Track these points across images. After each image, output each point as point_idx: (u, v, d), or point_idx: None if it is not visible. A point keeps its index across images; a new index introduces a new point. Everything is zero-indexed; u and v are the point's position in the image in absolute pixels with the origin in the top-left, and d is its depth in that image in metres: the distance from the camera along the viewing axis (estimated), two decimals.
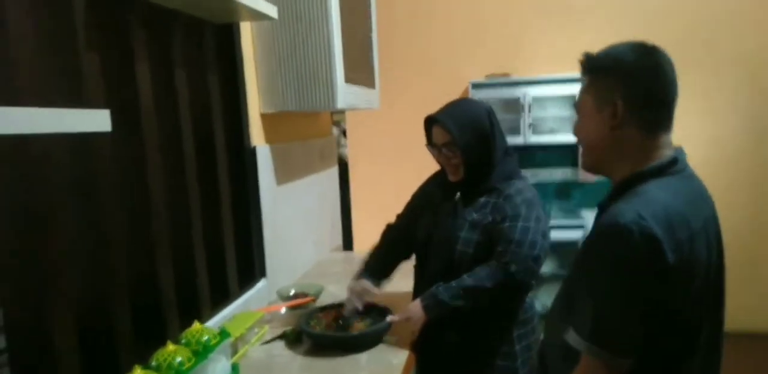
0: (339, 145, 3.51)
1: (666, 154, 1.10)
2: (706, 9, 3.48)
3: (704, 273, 1.06)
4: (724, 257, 1.14)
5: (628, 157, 1.11)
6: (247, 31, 1.90)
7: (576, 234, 3.41)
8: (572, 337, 1.05)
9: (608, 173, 1.18)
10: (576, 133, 1.20)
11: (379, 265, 1.82)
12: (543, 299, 3.48)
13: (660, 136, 1.10)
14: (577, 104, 1.18)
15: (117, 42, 1.31)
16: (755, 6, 3.44)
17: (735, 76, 3.52)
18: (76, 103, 1.14)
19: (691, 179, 1.13)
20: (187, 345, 1.33)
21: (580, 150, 1.22)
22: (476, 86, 3.57)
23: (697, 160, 1.18)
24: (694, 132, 3.48)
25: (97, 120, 0.92)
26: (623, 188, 1.11)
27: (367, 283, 1.74)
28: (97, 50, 1.21)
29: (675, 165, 1.09)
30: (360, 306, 1.71)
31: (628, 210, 1.01)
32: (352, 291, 1.74)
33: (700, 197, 1.12)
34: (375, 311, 1.73)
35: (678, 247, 0.99)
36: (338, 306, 1.77)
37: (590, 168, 1.21)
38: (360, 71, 2.21)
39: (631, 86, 1.08)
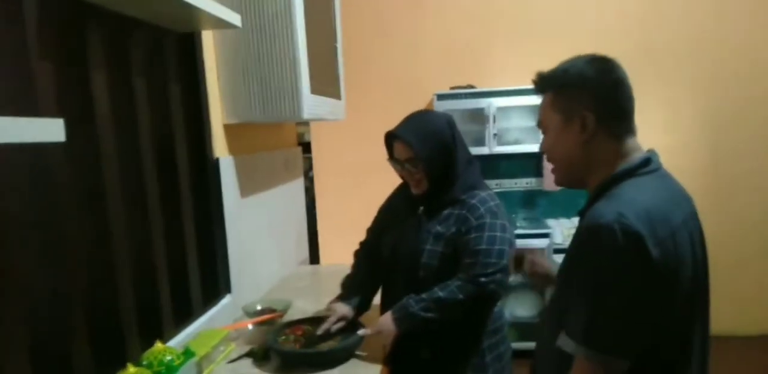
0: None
1: (636, 156, 1.12)
2: (662, 12, 3.59)
3: (691, 271, 1.06)
4: (707, 255, 1.15)
5: (600, 166, 1.13)
6: (209, 40, 1.85)
7: (542, 243, 3.44)
8: (564, 341, 1.04)
9: (583, 185, 1.19)
10: (545, 151, 1.20)
11: (361, 293, 1.76)
12: (511, 308, 3.49)
13: (627, 141, 1.13)
14: (542, 122, 1.19)
15: (72, 49, 1.25)
16: (721, 18, 3.56)
17: (693, 73, 3.64)
18: (28, 112, 1.08)
19: (666, 178, 1.14)
20: (149, 366, 1.28)
21: (550, 167, 1.22)
22: (441, 97, 3.59)
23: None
24: (660, 143, 3.56)
25: (50, 129, 0.87)
26: (599, 193, 1.12)
27: (347, 309, 1.69)
28: (50, 57, 1.15)
29: (647, 165, 1.11)
30: (334, 329, 1.66)
31: (607, 210, 1.02)
32: (334, 311, 1.68)
33: (677, 195, 1.13)
34: (346, 325, 1.69)
35: (660, 243, 0.99)
36: (306, 322, 1.72)
37: (565, 183, 1.22)
38: (325, 82, 2.18)
39: (597, 98, 1.10)
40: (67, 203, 1.21)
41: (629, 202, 1.03)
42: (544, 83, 1.17)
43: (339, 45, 2.50)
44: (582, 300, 1.03)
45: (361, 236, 1.90)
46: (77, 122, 1.24)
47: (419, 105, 3.71)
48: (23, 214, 1.11)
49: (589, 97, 1.10)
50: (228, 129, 1.98)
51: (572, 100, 1.12)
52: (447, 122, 1.65)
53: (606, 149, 1.12)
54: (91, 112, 1.30)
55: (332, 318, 1.66)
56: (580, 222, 1.14)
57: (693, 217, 1.13)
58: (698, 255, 1.10)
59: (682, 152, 3.66)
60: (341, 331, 1.67)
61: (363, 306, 1.75)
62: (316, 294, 1.77)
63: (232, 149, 2.02)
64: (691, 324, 1.09)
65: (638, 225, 0.98)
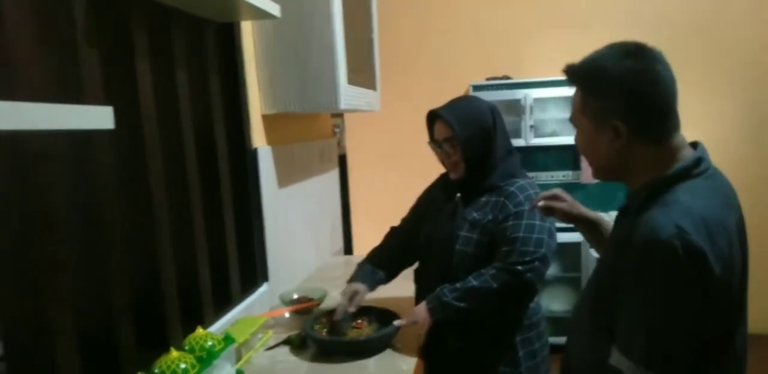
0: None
1: (686, 155, 1.04)
2: (707, 14, 3.48)
3: (740, 274, 1.01)
4: (748, 252, 1.09)
5: (644, 167, 1.05)
6: (248, 30, 1.87)
7: (579, 237, 3.35)
8: (619, 360, 0.99)
9: (623, 181, 1.12)
10: (579, 149, 1.13)
11: (373, 268, 1.76)
12: (545, 302, 3.45)
13: (669, 140, 1.03)
14: (574, 121, 1.11)
15: (117, 39, 1.28)
16: (758, 10, 3.44)
17: (733, 66, 3.51)
18: (76, 100, 1.10)
19: (717, 178, 1.05)
20: (191, 351, 1.29)
21: (586, 160, 1.16)
22: (477, 88, 3.54)
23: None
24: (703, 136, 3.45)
25: (99, 117, 0.88)
26: (648, 195, 1.03)
27: (357, 285, 1.70)
28: (96, 46, 1.17)
29: (699, 165, 1.02)
30: (351, 309, 1.65)
31: (665, 223, 0.93)
32: (343, 294, 1.69)
33: (729, 195, 1.06)
34: (381, 315, 1.69)
35: (721, 256, 0.93)
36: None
37: (601, 179, 1.15)
38: (361, 73, 2.18)
39: (630, 106, 1.00)
40: (112, 191, 1.24)
41: (688, 213, 0.94)
42: (573, 77, 1.08)
43: (375, 36, 2.49)
44: (641, 318, 0.96)
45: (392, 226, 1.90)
46: (123, 111, 1.26)
47: (454, 96, 3.67)
48: (69, 201, 1.13)
49: (620, 106, 1.00)
50: (266, 119, 1.99)
51: (603, 108, 1.02)
52: (490, 109, 1.64)
53: (644, 153, 1.03)
54: (136, 100, 1.32)
55: (344, 300, 1.66)
56: (620, 219, 1.09)
57: (741, 216, 1.06)
58: (745, 260, 1.04)
59: (723, 146, 3.54)
60: (376, 320, 1.68)
61: (376, 280, 1.74)
62: None
63: (270, 139, 2.04)
64: (737, 326, 1.03)
65: (699, 240, 0.91)
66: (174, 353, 1.23)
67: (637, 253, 0.97)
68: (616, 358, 1.00)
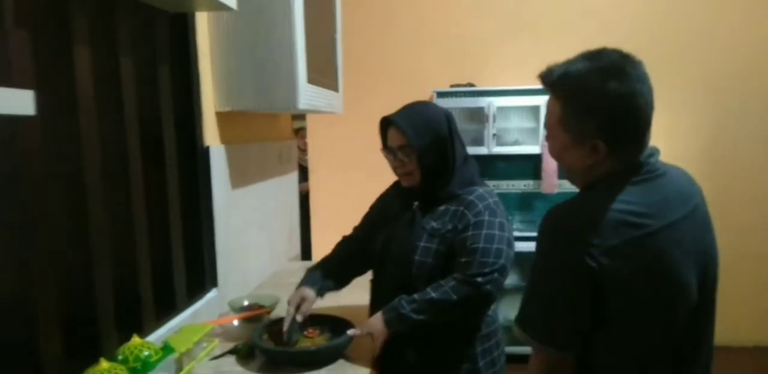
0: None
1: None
2: (672, 25, 3.54)
3: (671, 279, 1.02)
4: (716, 263, 1.10)
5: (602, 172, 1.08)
6: (203, 22, 1.78)
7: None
8: (515, 328, 1.10)
9: (578, 185, 1.16)
10: (550, 152, 1.15)
11: (323, 274, 1.69)
12: (504, 311, 3.43)
13: (640, 155, 1.05)
14: (549, 129, 1.10)
15: (53, 21, 1.18)
16: (724, 25, 3.52)
17: (700, 95, 3.59)
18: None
19: (661, 179, 1.05)
20: (124, 362, 1.20)
21: (554, 168, 1.24)
22: (441, 95, 3.52)
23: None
24: (677, 149, 3.51)
25: (17, 101, 0.80)
26: (581, 193, 1.12)
27: (305, 291, 1.61)
28: (27, 26, 1.08)
29: (640, 168, 1.04)
30: (299, 318, 1.57)
31: (561, 207, 1.05)
32: (289, 302, 1.60)
33: (672, 199, 1.05)
34: (334, 324, 1.62)
35: (609, 252, 0.96)
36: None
37: (571, 182, 1.18)
38: (323, 73, 2.12)
39: (611, 129, 1.01)
40: (42, 187, 1.13)
41: (583, 203, 1.05)
42: (551, 85, 1.06)
43: (338, 36, 2.43)
44: (526, 291, 1.08)
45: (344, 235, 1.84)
46: (54, 99, 1.17)
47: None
48: None
49: (603, 127, 1.00)
50: (220, 117, 1.90)
51: (584, 126, 1.02)
52: (445, 115, 1.59)
53: (615, 166, 1.05)
54: (72, 89, 1.22)
55: (290, 310, 1.57)
56: None
57: (690, 222, 1.05)
58: (688, 267, 1.03)
59: (682, 158, 3.61)
60: (328, 328, 1.62)
61: (325, 287, 1.66)
62: None
63: (224, 138, 1.95)
64: (660, 339, 1.05)
65: (577, 225, 0.99)
66: (104, 364, 1.14)
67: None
68: (515, 329, 1.11)
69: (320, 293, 1.65)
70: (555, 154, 1.12)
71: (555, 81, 1.05)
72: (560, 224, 1.02)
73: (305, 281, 1.67)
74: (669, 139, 3.56)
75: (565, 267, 0.99)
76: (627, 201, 1.00)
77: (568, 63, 1.04)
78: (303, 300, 1.59)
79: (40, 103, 0.86)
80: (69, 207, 1.25)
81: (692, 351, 1.08)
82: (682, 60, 3.55)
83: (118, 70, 1.39)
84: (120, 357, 1.21)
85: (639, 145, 1.04)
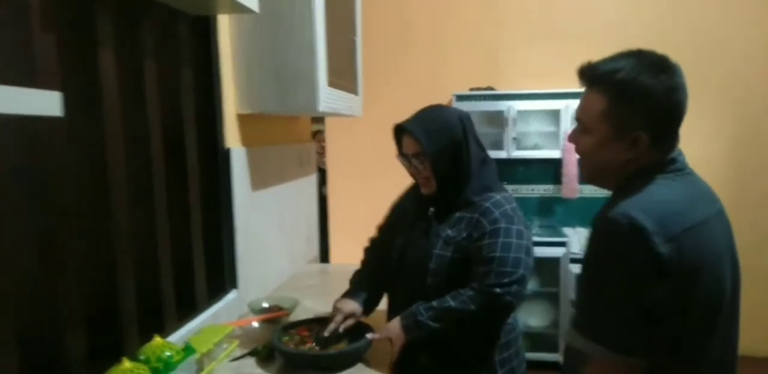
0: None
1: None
2: (692, 30, 3.50)
3: (714, 278, 1.01)
4: (739, 266, 1.09)
5: (632, 171, 1.09)
6: (225, 25, 1.79)
7: (558, 251, 3.34)
8: (572, 336, 1.02)
9: (608, 186, 1.15)
10: (580, 151, 1.13)
11: (370, 289, 1.68)
12: (523, 318, 3.39)
13: (673, 151, 1.08)
14: (584, 120, 1.10)
15: (78, 24, 1.19)
16: (743, 30, 3.47)
17: (720, 100, 3.53)
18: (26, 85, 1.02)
19: (691, 177, 1.09)
20: (146, 361, 1.21)
21: (580, 161, 1.17)
22: (460, 98, 3.52)
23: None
24: (700, 153, 3.46)
25: (46, 102, 0.81)
26: (618, 190, 1.09)
27: (355, 306, 1.62)
28: (54, 30, 1.09)
29: (672, 164, 1.07)
30: (341, 328, 1.57)
31: (617, 205, 1.00)
32: (339, 310, 1.60)
33: (700, 196, 1.08)
34: (354, 328, 1.61)
35: (672, 239, 0.95)
36: (313, 322, 1.65)
37: (592, 183, 1.18)
38: (343, 76, 2.12)
39: (658, 119, 1.04)
40: (67, 188, 1.15)
41: (642, 197, 1.01)
42: (595, 80, 1.07)
43: (358, 39, 2.43)
44: (588, 293, 1.03)
45: (372, 235, 1.83)
46: (80, 101, 1.18)
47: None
48: (18, 197, 1.05)
49: (649, 118, 1.03)
50: (241, 119, 1.92)
51: (630, 117, 1.03)
52: (459, 117, 1.55)
53: (649, 160, 1.07)
54: (97, 91, 1.23)
55: (338, 317, 1.58)
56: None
57: (719, 221, 1.08)
58: (725, 262, 1.05)
59: (703, 164, 3.55)
60: (349, 334, 1.60)
61: (371, 303, 1.67)
62: (324, 293, 1.70)
63: (245, 140, 1.96)
64: (708, 339, 1.03)
65: (645, 219, 0.95)
66: (126, 364, 1.14)
67: (591, 233, 1.04)
68: (569, 336, 1.04)
69: (366, 313, 1.65)
70: (589, 150, 1.11)
71: (602, 75, 1.06)
72: (620, 221, 0.97)
73: (355, 296, 1.65)
74: (689, 143, 3.51)
75: (635, 264, 0.95)
76: (673, 192, 1.03)
77: (612, 60, 1.07)
78: (352, 314, 1.60)
79: (66, 104, 0.87)
80: (93, 208, 1.26)
81: (724, 352, 1.08)
82: (702, 65, 3.49)
83: (142, 72, 1.41)
84: (142, 357, 1.21)
85: (676, 138, 1.08)
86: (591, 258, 1.03)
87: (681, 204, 1.02)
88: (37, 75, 1.05)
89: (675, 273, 0.95)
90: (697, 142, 3.54)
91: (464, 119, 1.56)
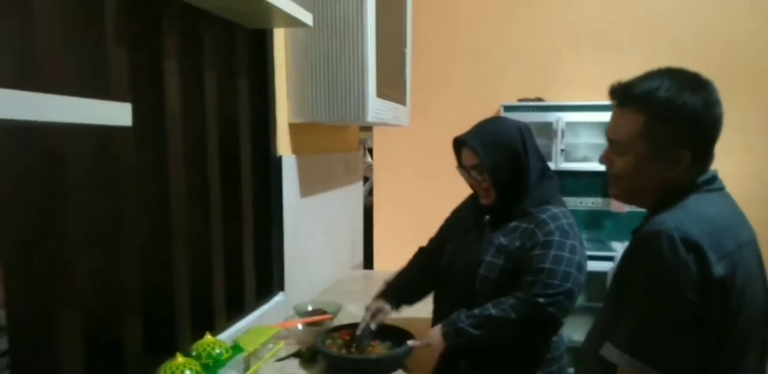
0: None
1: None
2: (746, 37, 3.39)
3: (762, 297, 1.00)
4: None
5: (671, 189, 1.07)
6: (280, 38, 1.87)
7: (606, 266, 3.27)
8: (608, 350, 1.00)
9: (644, 204, 1.13)
10: (619, 171, 1.11)
11: (401, 288, 1.73)
12: (568, 332, 3.32)
13: (709, 167, 1.08)
14: (617, 141, 1.09)
15: (146, 38, 1.28)
16: None
17: (750, 95, 3.41)
18: (99, 97, 1.10)
19: (730, 198, 1.09)
20: (198, 358, 1.27)
21: (609, 179, 1.15)
22: (508, 109, 3.51)
23: (738, 197, 1.13)
24: (733, 169, 3.35)
25: (118, 113, 0.87)
26: (657, 207, 1.07)
27: (382, 303, 1.67)
28: (125, 44, 1.18)
29: (714, 182, 1.06)
30: (373, 326, 1.62)
31: (668, 218, 0.98)
32: (367, 309, 1.67)
33: (740, 216, 1.08)
34: (396, 334, 1.64)
35: (725, 257, 0.94)
36: (356, 327, 1.69)
37: (625, 201, 1.17)
38: (391, 87, 2.17)
39: (699, 137, 1.03)
40: (130, 191, 1.23)
41: (693, 212, 0.99)
42: (630, 99, 1.07)
43: (408, 51, 2.48)
44: (632, 308, 0.99)
45: (417, 243, 1.85)
46: (147, 111, 1.26)
47: (485, 115, 3.62)
48: (86, 199, 1.13)
49: (690, 135, 1.02)
50: (292, 128, 1.99)
51: (670, 136, 1.03)
52: (519, 130, 1.56)
53: (686, 178, 1.06)
54: (161, 102, 1.32)
55: (366, 315, 1.64)
56: (636, 235, 1.08)
57: (755, 244, 1.06)
58: (760, 290, 1.03)
59: (756, 179, 3.42)
60: (390, 339, 1.63)
61: (400, 299, 1.71)
62: (367, 298, 1.73)
63: (295, 148, 2.03)
64: (739, 364, 1.01)
65: (700, 235, 0.93)
66: (180, 359, 1.20)
67: (634, 247, 1.02)
68: (606, 349, 1.01)
69: (396, 306, 1.69)
70: (627, 170, 1.09)
71: (638, 94, 1.05)
72: (672, 235, 0.94)
73: (383, 293, 1.71)
74: (724, 159, 3.40)
75: (687, 281, 0.93)
76: (719, 210, 1.02)
77: (647, 78, 1.06)
78: (379, 310, 1.64)
79: (134, 113, 0.94)
80: (153, 211, 1.34)
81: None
82: (746, 79, 3.37)
83: (202, 83, 1.49)
84: (194, 353, 1.27)
85: (713, 155, 1.07)
86: (636, 271, 1.00)
87: (728, 221, 1.01)
88: (110, 87, 1.13)
89: (723, 292, 0.93)
90: (728, 158, 3.43)
91: (524, 130, 1.57)
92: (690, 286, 0.93)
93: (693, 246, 0.93)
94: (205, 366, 1.24)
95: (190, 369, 1.19)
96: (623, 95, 1.08)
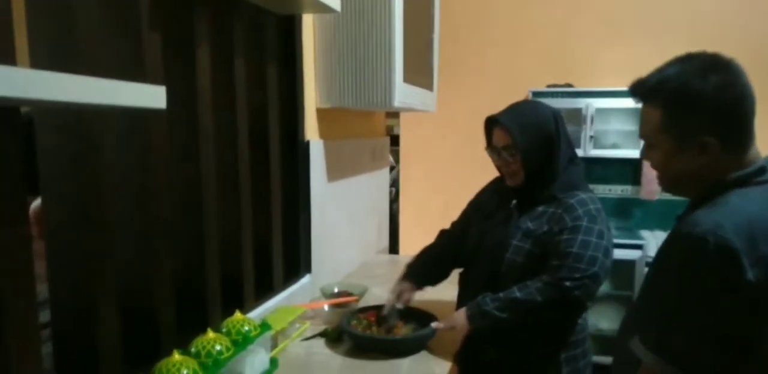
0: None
1: (752, 163, 1.02)
2: None
3: None
4: None
5: (716, 175, 1.04)
6: (309, 23, 1.89)
7: (634, 254, 3.24)
8: (636, 345, 1.00)
9: (691, 194, 1.11)
10: (654, 165, 1.11)
11: (423, 268, 1.76)
12: (593, 320, 3.32)
13: (750, 151, 1.03)
14: (648, 139, 1.09)
15: (179, 23, 1.31)
16: None
17: None
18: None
19: None
20: (228, 334, 1.31)
21: (655, 173, 1.14)
22: (536, 95, 3.47)
23: None
24: None
25: (152, 96, 0.90)
26: (703, 199, 1.03)
27: (405, 284, 1.71)
28: (158, 30, 1.21)
29: (762, 174, 1.01)
30: (399, 305, 1.66)
31: (706, 219, 0.95)
32: (392, 291, 1.71)
33: None
34: (420, 317, 1.67)
35: (760, 261, 0.90)
36: (380, 308, 1.72)
37: (671, 192, 1.15)
38: (419, 72, 2.17)
39: (719, 121, 1.00)
40: (164, 173, 1.27)
41: (732, 213, 0.95)
42: (646, 94, 1.06)
43: (436, 36, 2.47)
44: (662, 308, 0.98)
45: (443, 228, 1.88)
46: (179, 95, 1.30)
47: (513, 100, 3.61)
48: (123, 180, 1.17)
49: (709, 121, 0.99)
50: (320, 113, 2.01)
51: (688, 125, 1.01)
52: (553, 115, 1.56)
53: (727, 163, 1.02)
54: (194, 86, 1.35)
55: (390, 296, 1.68)
56: (676, 226, 1.06)
57: None
58: None
59: None
60: (416, 321, 1.66)
61: (423, 279, 1.74)
62: (392, 282, 1.76)
63: (323, 133, 2.05)
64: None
65: (735, 239, 0.90)
66: (210, 334, 1.24)
67: (670, 245, 1.00)
68: (633, 342, 1.01)
69: (419, 285, 1.72)
70: (659, 164, 1.09)
71: (651, 88, 1.05)
72: (708, 239, 0.92)
73: (406, 274, 1.75)
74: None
75: (720, 286, 0.91)
76: (763, 207, 0.97)
77: (659, 70, 1.05)
78: (403, 291, 1.68)
79: (167, 98, 0.97)
80: (185, 194, 1.39)
81: None
82: None
83: (232, 68, 1.52)
84: (224, 330, 1.32)
85: (748, 137, 1.02)
86: (670, 272, 0.99)
87: None
88: (145, 71, 1.17)
89: (755, 297, 0.91)
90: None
91: (557, 116, 1.57)
92: (720, 291, 0.91)
93: (727, 252, 0.90)
94: (234, 342, 1.28)
95: (221, 344, 1.23)
96: (640, 92, 1.07)
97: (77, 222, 1.07)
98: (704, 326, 0.93)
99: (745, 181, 1.01)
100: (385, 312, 1.66)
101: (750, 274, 0.89)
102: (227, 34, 1.49)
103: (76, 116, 1.04)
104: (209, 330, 1.25)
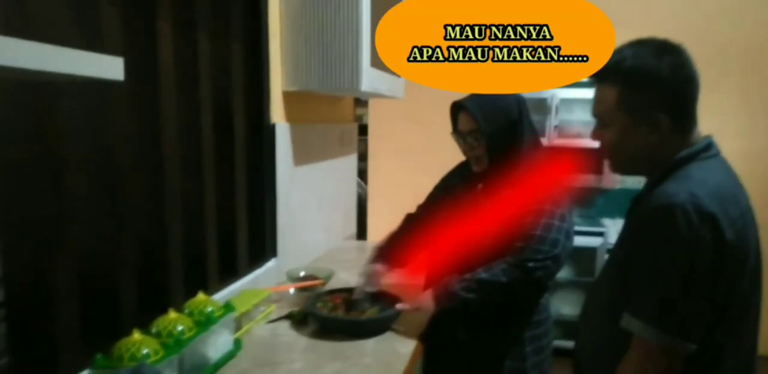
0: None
1: (699, 141, 1.10)
2: (737, 17, 3.38)
3: (755, 255, 1.04)
4: (762, 262, 1.10)
5: (665, 155, 1.10)
6: (275, 3, 1.86)
7: (595, 241, 3.32)
8: (629, 322, 1.02)
9: (644, 173, 1.17)
10: (607, 145, 1.14)
11: (392, 250, 1.77)
12: (556, 305, 3.40)
13: (695, 130, 1.11)
14: (600, 115, 1.13)
15: None
16: None
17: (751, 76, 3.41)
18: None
19: (727, 163, 1.12)
20: (190, 315, 1.30)
21: (604, 154, 1.18)
22: None
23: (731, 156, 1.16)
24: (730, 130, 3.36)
25: (109, 66, 0.88)
26: (661, 177, 1.09)
27: (376, 266, 1.71)
28: (118, 1, 1.18)
29: (709, 150, 1.09)
30: (369, 288, 1.67)
31: (679, 190, 0.99)
32: (362, 274, 1.71)
33: (738, 182, 1.11)
34: (386, 299, 1.68)
35: (733, 224, 0.97)
36: (346, 291, 1.72)
37: (622, 173, 1.21)
38: None
39: (672, 99, 1.06)
40: (124, 151, 1.24)
41: (700, 183, 1.00)
42: (604, 74, 1.11)
43: None
44: (652, 280, 1.00)
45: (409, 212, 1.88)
46: (139, 68, 1.27)
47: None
48: (82, 155, 1.14)
49: (664, 99, 1.05)
50: (287, 96, 1.99)
51: (643, 102, 1.06)
52: (516, 100, 1.59)
53: (675, 143, 1.09)
54: (154, 63, 1.32)
55: (360, 280, 1.69)
56: (638, 205, 1.11)
57: (750, 210, 1.09)
58: (758, 243, 1.08)
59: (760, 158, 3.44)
60: (381, 303, 1.67)
61: (393, 263, 1.75)
62: (359, 267, 1.76)
63: (289, 117, 2.03)
64: (747, 308, 1.06)
65: (712, 205, 0.96)
66: (172, 314, 1.23)
67: (646, 219, 1.03)
68: (625, 320, 1.03)
69: (389, 268, 1.73)
70: (614, 141, 1.12)
71: (608, 67, 1.10)
72: (686, 208, 0.96)
73: (375, 257, 1.76)
74: (724, 138, 3.41)
75: (708, 253, 0.96)
76: (721, 176, 1.05)
77: (615, 52, 1.10)
78: (374, 273, 1.69)
79: (126, 70, 0.95)
80: (148, 172, 1.36)
81: (750, 345, 1.12)
82: (748, 59, 3.37)
83: (196, 45, 1.49)
84: (186, 311, 1.31)
85: (695, 117, 1.10)
86: (652, 244, 1.01)
87: (732, 187, 1.04)
88: (103, 43, 1.13)
89: (733, 258, 0.97)
90: (731, 138, 3.44)
91: (521, 101, 1.60)
92: (709, 256, 0.96)
93: (708, 217, 0.95)
94: (197, 323, 1.27)
95: (183, 324, 1.22)
96: (597, 72, 1.13)
97: (33, 199, 1.04)
98: (700, 292, 0.97)
99: (694, 157, 1.07)
100: (356, 295, 1.66)
101: (728, 235, 0.96)
102: (189, 10, 1.46)
103: (34, 90, 1.01)
104: (170, 310, 1.23)
